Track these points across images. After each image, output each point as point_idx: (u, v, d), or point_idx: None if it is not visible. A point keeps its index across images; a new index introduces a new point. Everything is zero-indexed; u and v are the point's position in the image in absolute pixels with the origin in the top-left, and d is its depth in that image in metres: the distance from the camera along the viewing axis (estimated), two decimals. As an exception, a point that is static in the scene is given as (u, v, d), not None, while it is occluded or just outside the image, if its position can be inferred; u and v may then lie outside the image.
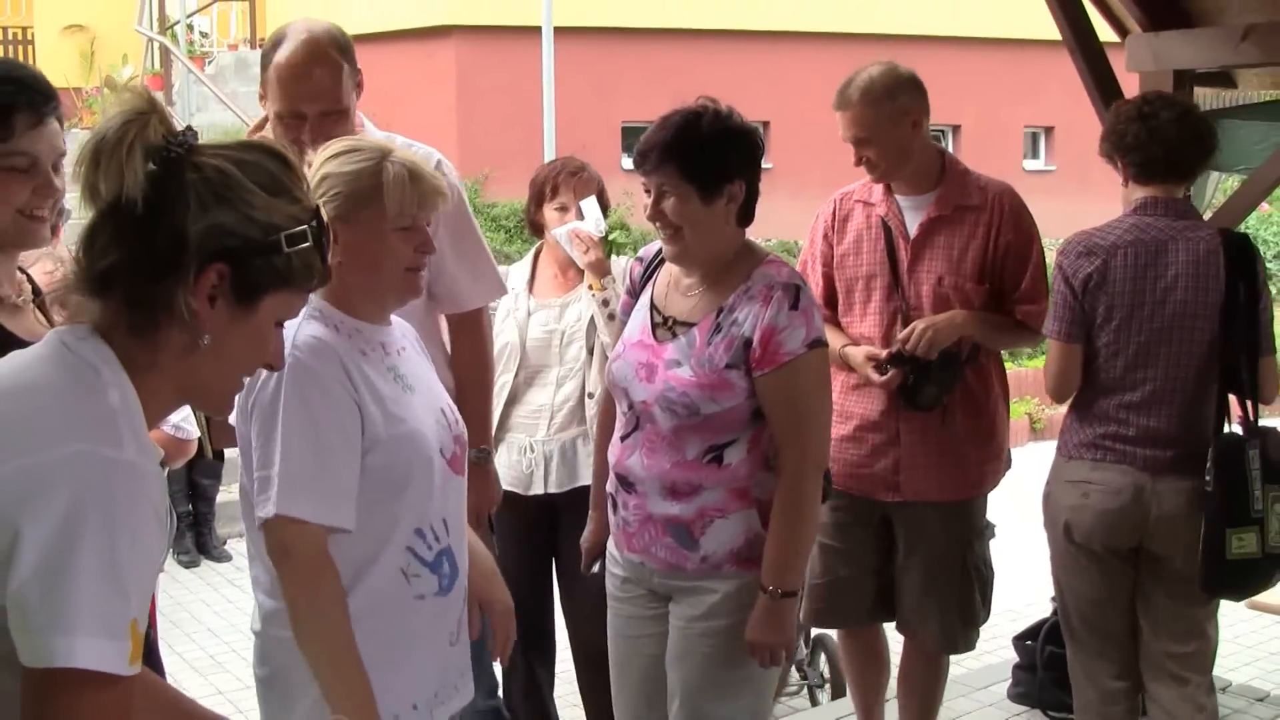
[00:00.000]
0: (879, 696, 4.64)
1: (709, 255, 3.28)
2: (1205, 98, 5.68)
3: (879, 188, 4.21)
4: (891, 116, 4.04)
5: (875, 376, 4.04)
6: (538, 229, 4.68)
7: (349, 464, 2.55)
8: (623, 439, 3.36)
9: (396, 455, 2.61)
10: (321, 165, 2.64)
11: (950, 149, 18.52)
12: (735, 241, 3.32)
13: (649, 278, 3.47)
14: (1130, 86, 5.32)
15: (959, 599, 4.22)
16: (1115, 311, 3.94)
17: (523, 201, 4.92)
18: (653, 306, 3.38)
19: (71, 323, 1.79)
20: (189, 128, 1.80)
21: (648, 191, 3.26)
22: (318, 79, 3.38)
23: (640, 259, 3.55)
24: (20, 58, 17.65)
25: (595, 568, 3.63)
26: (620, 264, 4.40)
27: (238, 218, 1.77)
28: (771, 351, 3.17)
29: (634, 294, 3.50)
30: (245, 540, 2.75)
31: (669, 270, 3.41)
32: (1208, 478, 3.88)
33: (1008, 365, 7.20)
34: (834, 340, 3.98)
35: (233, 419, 2.63)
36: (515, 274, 4.64)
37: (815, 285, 4.23)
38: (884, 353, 4.03)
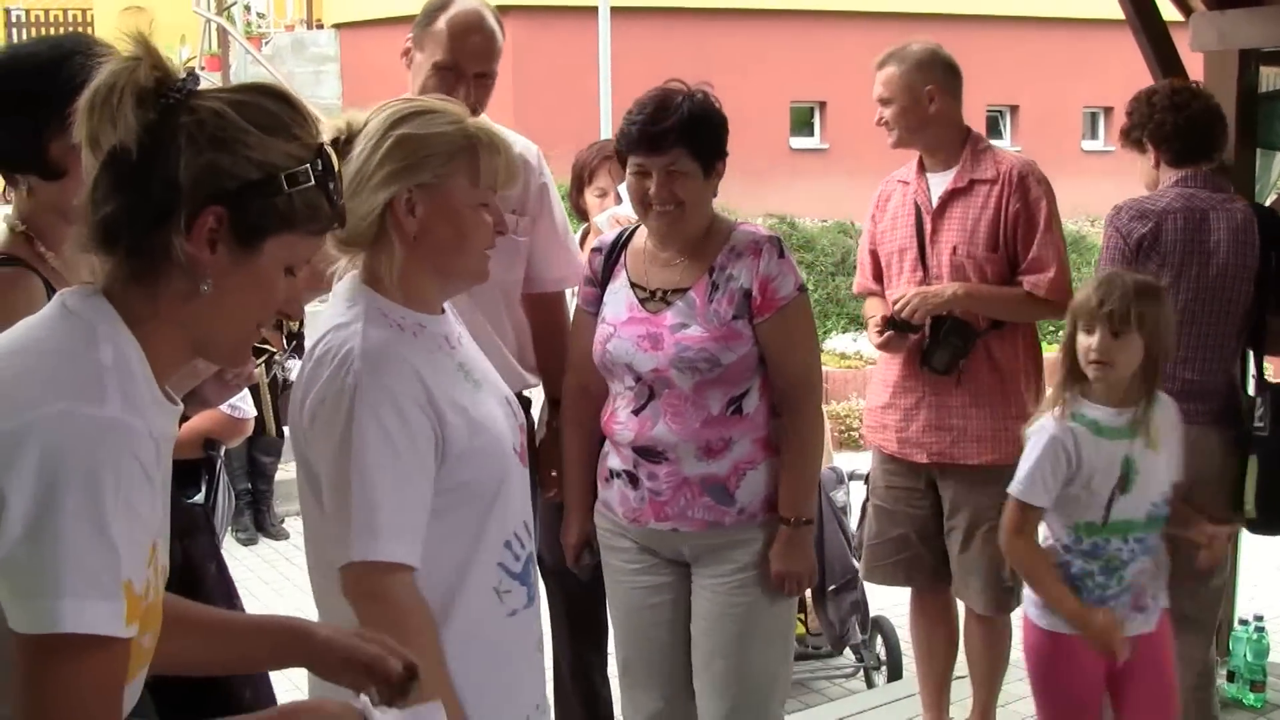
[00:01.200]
0: (946, 670, 4.71)
1: (695, 228, 3.42)
2: (1270, 76, 5.59)
3: (914, 167, 4.47)
4: (914, 86, 4.28)
5: (874, 338, 4.36)
6: (581, 214, 4.70)
7: (425, 496, 2.35)
8: (636, 413, 3.44)
9: (484, 466, 2.45)
10: (392, 126, 2.41)
11: (1009, 129, 18.57)
12: (711, 214, 3.48)
13: (612, 265, 3.54)
14: (1194, 66, 5.25)
15: (993, 560, 4.29)
16: (1165, 271, 4.14)
17: (580, 182, 4.92)
18: (634, 285, 3.48)
19: (79, 282, 1.76)
20: (191, 73, 1.75)
21: (645, 173, 3.35)
22: (484, 40, 3.59)
23: (598, 250, 3.60)
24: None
25: (585, 559, 3.70)
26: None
27: (233, 159, 1.70)
28: (769, 298, 3.37)
29: (597, 284, 3.56)
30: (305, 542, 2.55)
31: (638, 251, 3.52)
32: (1260, 424, 4.25)
33: (1050, 347, 7.16)
34: (876, 310, 4.47)
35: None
36: None
37: (867, 263, 4.60)
38: (882, 317, 4.33)
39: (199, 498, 3.44)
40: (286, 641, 2.01)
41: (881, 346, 4.35)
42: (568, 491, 3.69)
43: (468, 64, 3.58)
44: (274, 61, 15.67)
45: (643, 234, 3.53)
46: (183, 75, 1.72)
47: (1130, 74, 5.18)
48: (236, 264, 1.73)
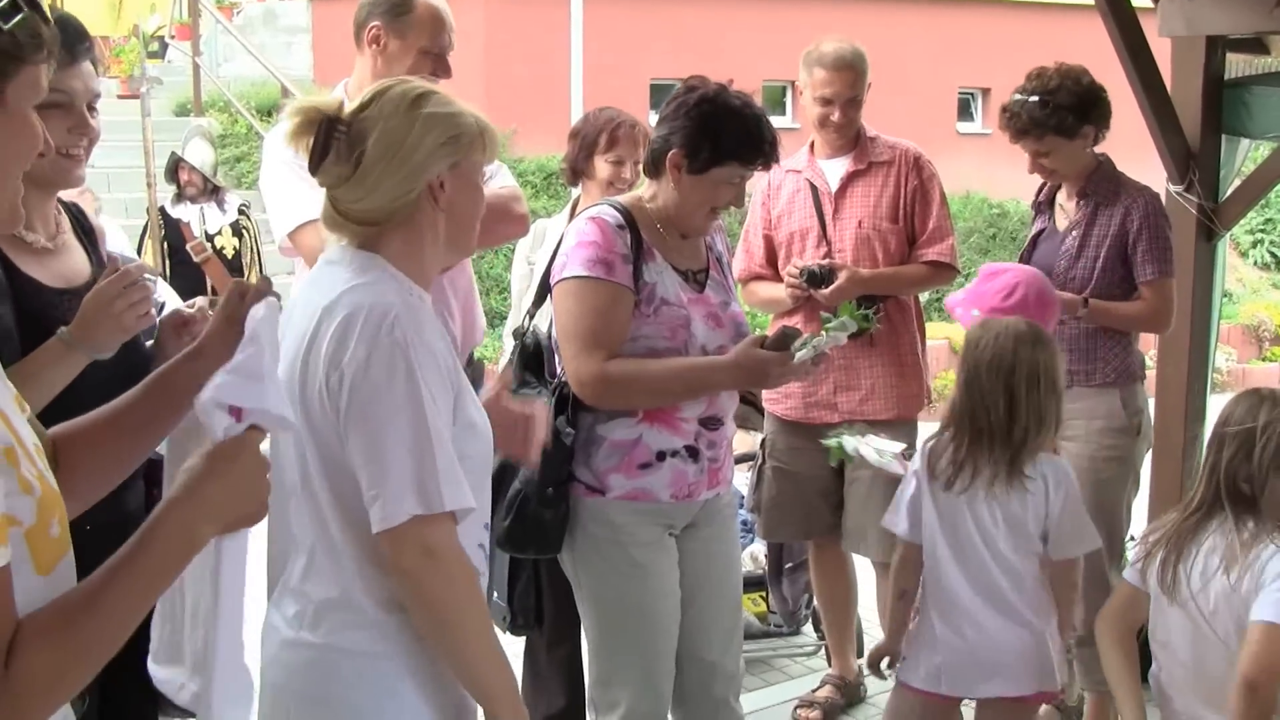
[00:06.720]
0: (849, 617, 5.25)
1: None
2: (1237, 64, 5.62)
3: (804, 154, 4.92)
4: (863, 81, 4.79)
5: (788, 283, 4.70)
6: (578, 177, 4.69)
7: (452, 447, 2.34)
8: None
9: (481, 441, 2.48)
10: (412, 105, 2.40)
11: (980, 111, 18.61)
12: None
13: (638, 243, 3.47)
14: (1162, 51, 5.27)
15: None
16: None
17: (549, 157, 4.95)
18: (673, 267, 3.50)
19: None
20: None
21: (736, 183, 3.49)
22: (449, 23, 3.92)
23: (622, 226, 3.46)
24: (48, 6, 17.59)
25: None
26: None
27: None
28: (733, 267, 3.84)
29: (631, 260, 3.44)
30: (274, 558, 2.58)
31: (652, 231, 3.50)
32: None
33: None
34: (773, 293, 4.85)
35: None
36: (553, 230, 4.65)
37: (758, 248, 4.97)
38: (797, 270, 4.69)
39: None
40: (167, 380, 2.13)
41: (791, 286, 4.68)
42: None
43: (445, 47, 3.89)
44: (245, 32, 15.57)
45: (640, 212, 3.51)
46: None
47: (1101, 59, 5.21)
48: None
